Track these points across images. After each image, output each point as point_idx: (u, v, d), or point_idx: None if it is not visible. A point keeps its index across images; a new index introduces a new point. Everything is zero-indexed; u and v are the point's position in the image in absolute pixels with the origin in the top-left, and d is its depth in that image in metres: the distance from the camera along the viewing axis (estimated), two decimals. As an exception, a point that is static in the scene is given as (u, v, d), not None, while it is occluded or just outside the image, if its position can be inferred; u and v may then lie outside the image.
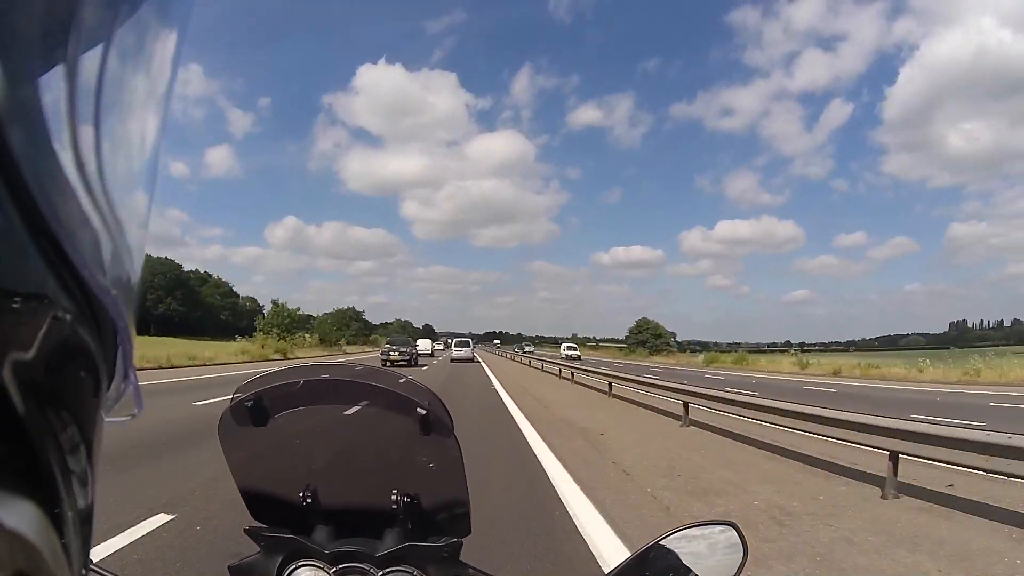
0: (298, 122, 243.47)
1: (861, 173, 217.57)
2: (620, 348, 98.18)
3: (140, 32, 0.22)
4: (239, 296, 39.12)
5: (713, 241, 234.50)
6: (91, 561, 0.50)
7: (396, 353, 26.22)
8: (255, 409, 0.77)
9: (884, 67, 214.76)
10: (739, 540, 0.77)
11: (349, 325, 69.33)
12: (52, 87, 0.19)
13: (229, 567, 0.79)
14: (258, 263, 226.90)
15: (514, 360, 35.18)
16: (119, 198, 0.21)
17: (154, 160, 0.24)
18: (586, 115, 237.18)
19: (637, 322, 71.41)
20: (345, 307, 73.07)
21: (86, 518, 0.22)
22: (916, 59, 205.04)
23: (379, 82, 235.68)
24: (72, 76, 0.19)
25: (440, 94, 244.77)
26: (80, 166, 0.20)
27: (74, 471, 0.21)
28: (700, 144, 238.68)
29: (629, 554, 0.77)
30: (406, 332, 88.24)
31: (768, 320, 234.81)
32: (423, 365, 27.06)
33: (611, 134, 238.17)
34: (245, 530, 0.78)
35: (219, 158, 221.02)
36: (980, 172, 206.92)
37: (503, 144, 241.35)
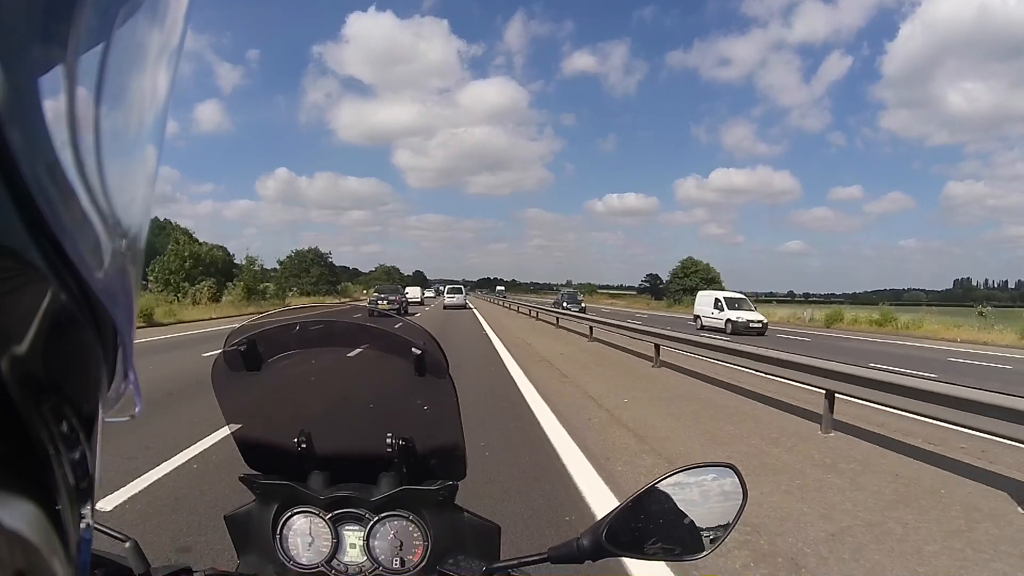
0: (288, 74, 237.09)
1: (859, 127, 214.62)
2: (631, 296, 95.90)
3: (140, 32, 0.22)
4: (200, 243, 33.22)
5: (708, 190, 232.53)
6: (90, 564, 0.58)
7: (384, 302, 24.55)
8: (248, 354, 0.76)
9: (885, 22, 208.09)
10: (738, 482, 0.74)
11: (309, 270, 53.02)
12: (52, 87, 0.19)
13: (225, 516, 0.79)
14: (250, 216, 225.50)
15: (519, 313, 28.32)
16: (119, 198, 0.21)
17: (155, 159, 0.24)
18: (580, 62, 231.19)
19: (681, 263, 56.81)
20: (307, 248, 54.92)
21: (87, 518, 0.22)
22: (917, 15, 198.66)
23: (370, 30, 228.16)
24: (72, 76, 0.19)
25: (432, 41, 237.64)
26: (80, 166, 0.19)
27: (74, 471, 0.21)
28: (696, 93, 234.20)
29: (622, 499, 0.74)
30: (392, 279, 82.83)
31: (763, 270, 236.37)
32: (414, 313, 25.42)
33: (606, 81, 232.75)
34: (240, 478, 0.78)
35: (209, 113, 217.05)
36: (979, 132, 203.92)
37: (496, 91, 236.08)
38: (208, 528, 2.71)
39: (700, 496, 0.73)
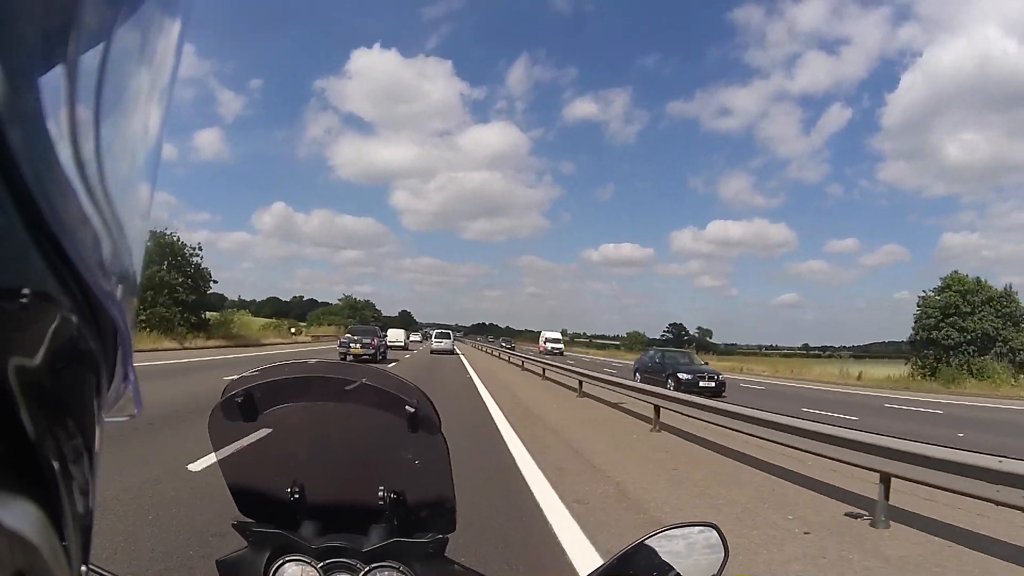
0: (289, 106, 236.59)
1: (856, 179, 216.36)
2: (617, 347, 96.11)
3: (140, 32, 0.22)
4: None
5: (704, 241, 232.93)
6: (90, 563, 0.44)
7: (358, 345, 20.28)
8: (245, 405, 0.78)
9: (886, 73, 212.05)
10: (720, 541, 0.79)
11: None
12: (52, 87, 0.19)
13: (217, 561, 0.80)
14: (246, 249, 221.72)
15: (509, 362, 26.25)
16: (119, 198, 0.21)
17: (154, 160, 0.24)
18: (582, 109, 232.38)
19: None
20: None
21: (86, 518, 0.22)
22: (918, 66, 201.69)
23: (373, 67, 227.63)
24: (72, 76, 0.19)
25: (435, 82, 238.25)
26: (80, 166, 0.19)
27: (74, 471, 0.21)
28: (696, 143, 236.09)
29: (608, 555, 0.77)
30: (361, 317, 65.52)
31: (756, 322, 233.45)
32: (391, 360, 21.25)
33: (607, 129, 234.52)
34: (233, 525, 0.79)
35: (209, 141, 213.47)
36: (975, 183, 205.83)
37: (497, 136, 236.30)
38: None
39: (684, 552, 0.78)
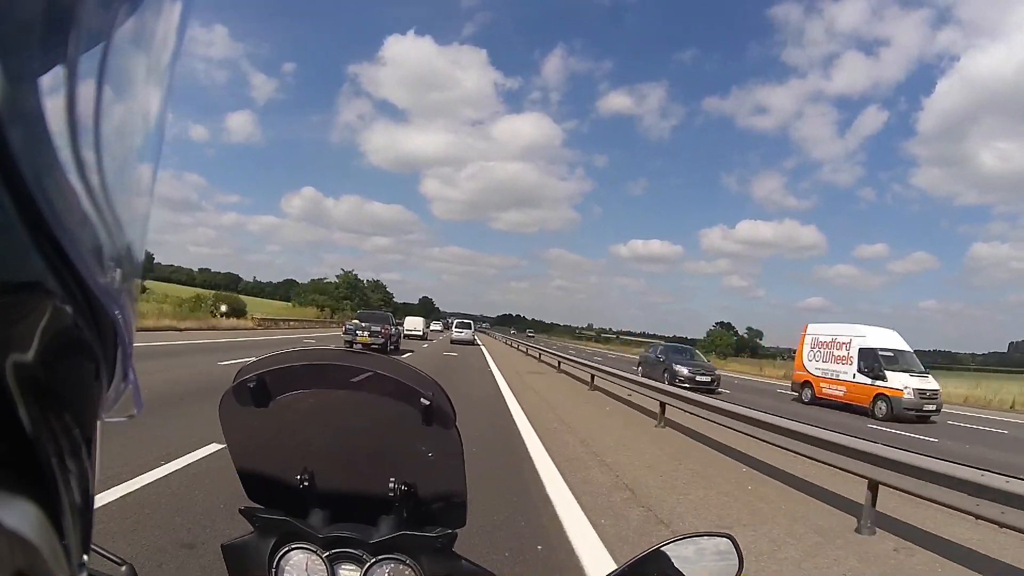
0: (322, 91, 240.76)
1: (889, 184, 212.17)
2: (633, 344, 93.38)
3: (140, 32, 0.22)
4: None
5: (733, 241, 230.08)
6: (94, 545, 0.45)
7: (366, 334, 18.07)
8: (257, 390, 0.77)
9: (923, 77, 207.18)
10: (734, 551, 0.78)
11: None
12: (52, 87, 0.19)
13: (222, 546, 0.79)
14: (274, 232, 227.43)
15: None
16: (119, 198, 0.21)
17: (155, 160, 0.25)
18: (617, 102, 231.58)
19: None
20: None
21: (86, 518, 0.22)
22: (956, 71, 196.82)
23: (407, 54, 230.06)
24: (72, 76, 0.19)
25: (469, 70, 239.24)
26: (80, 166, 0.20)
27: (74, 471, 0.21)
28: (730, 141, 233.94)
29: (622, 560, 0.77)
30: (363, 300, 54.73)
31: (779, 325, 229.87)
32: (405, 351, 19.38)
33: (641, 124, 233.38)
34: (240, 510, 0.78)
35: (240, 123, 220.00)
36: (1009, 193, 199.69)
37: (530, 127, 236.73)
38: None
39: (698, 560, 0.77)
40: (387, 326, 19.20)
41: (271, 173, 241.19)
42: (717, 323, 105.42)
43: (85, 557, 0.23)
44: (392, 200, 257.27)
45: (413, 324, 33.36)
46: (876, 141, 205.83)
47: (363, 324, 18.77)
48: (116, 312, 0.22)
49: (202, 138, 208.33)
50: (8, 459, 0.18)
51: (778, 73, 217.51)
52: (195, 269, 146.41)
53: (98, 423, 0.23)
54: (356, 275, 63.27)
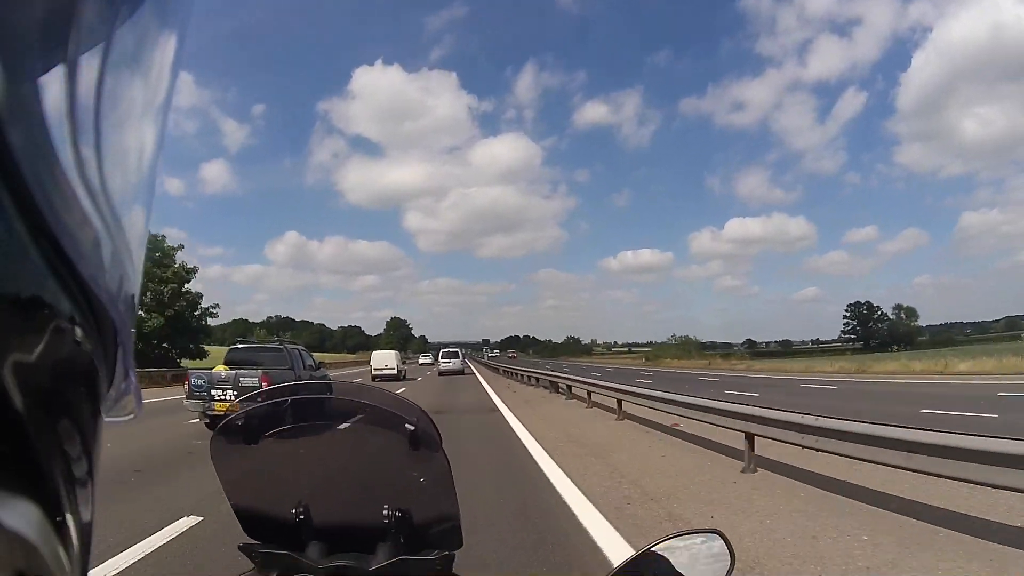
0: (294, 132, 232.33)
1: (873, 165, 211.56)
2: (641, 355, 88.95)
3: (140, 32, 0.22)
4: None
5: (723, 241, 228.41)
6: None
7: (226, 394, 7.79)
8: (245, 428, 0.80)
9: (898, 52, 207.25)
10: (725, 548, 0.80)
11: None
12: (52, 87, 0.19)
13: None
14: (260, 281, 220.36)
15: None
16: (119, 198, 0.22)
17: (154, 160, 0.25)
18: (593, 112, 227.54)
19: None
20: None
21: (86, 518, 0.22)
22: (930, 42, 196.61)
23: (377, 84, 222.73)
24: (72, 76, 0.19)
25: (440, 96, 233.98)
26: (80, 166, 0.20)
27: (74, 471, 0.21)
28: (711, 141, 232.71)
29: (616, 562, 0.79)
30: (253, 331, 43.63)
31: (778, 320, 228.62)
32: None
33: (619, 133, 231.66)
34: (239, 547, 0.80)
35: (215, 173, 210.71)
36: (992, 158, 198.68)
37: (508, 148, 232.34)
38: None
39: (690, 559, 0.78)
40: (283, 369, 9.24)
41: (251, 221, 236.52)
42: (851, 305, 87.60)
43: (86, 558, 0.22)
44: (376, 237, 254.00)
45: (381, 361, 24.83)
46: (857, 124, 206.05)
47: (222, 376, 8.76)
48: (116, 312, 0.22)
49: (179, 191, 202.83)
50: (8, 459, 0.18)
51: (753, 66, 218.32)
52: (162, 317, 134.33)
53: (99, 424, 0.23)
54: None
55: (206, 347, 30.35)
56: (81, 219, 0.20)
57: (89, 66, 0.20)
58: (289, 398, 0.83)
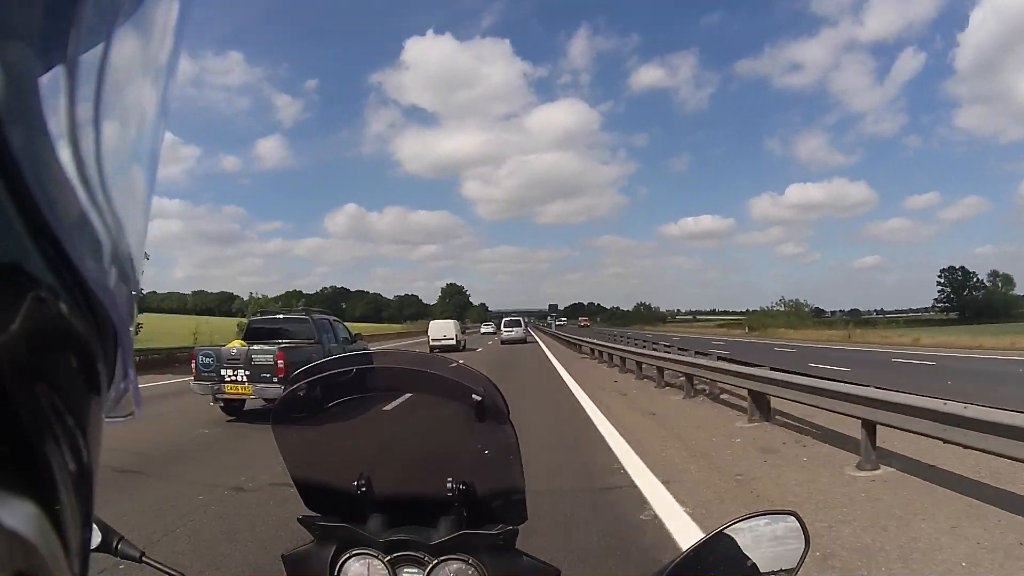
0: (348, 104, 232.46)
1: (933, 128, 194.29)
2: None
3: (140, 32, 0.22)
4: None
5: (784, 207, 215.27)
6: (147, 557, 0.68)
7: (239, 374, 7.02)
8: (307, 399, 0.79)
9: (956, 10, 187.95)
10: (800, 530, 0.76)
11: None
12: (52, 87, 0.19)
13: (283, 555, 0.80)
14: (321, 253, 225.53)
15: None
16: (119, 197, 0.21)
17: (154, 159, 0.25)
18: (649, 76, 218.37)
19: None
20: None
21: (86, 518, 0.22)
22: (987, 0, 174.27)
23: (429, 54, 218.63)
24: (72, 76, 0.19)
25: (494, 64, 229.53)
26: (80, 166, 0.20)
27: (74, 471, 0.21)
28: (768, 104, 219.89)
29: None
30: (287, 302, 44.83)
31: (837, 288, 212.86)
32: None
33: (676, 96, 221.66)
34: (299, 519, 0.79)
35: (270, 148, 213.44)
36: None
37: (564, 114, 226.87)
38: None
39: (764, 542, 0.76)
40: (304, 343, 8.29)
41: (309, 194, 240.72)
42: (944, 269, 77.69)
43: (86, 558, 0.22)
44: (435, 207, 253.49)
45: (440, 331, 24.26)
46: (916, 85, 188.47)
47: (229, 357, 7.53)
48: (116, 312, 0.22)
49: (235, 168, 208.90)
50: (8, 459, 0.18)
51: (809, 25, 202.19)
52: (189, 293, 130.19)
53: (99, 423, 0.23)
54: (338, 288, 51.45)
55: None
56: (81, 219, 0.20)
57: (89, 66, 0.20)
58: (353, 368, 0.82)
